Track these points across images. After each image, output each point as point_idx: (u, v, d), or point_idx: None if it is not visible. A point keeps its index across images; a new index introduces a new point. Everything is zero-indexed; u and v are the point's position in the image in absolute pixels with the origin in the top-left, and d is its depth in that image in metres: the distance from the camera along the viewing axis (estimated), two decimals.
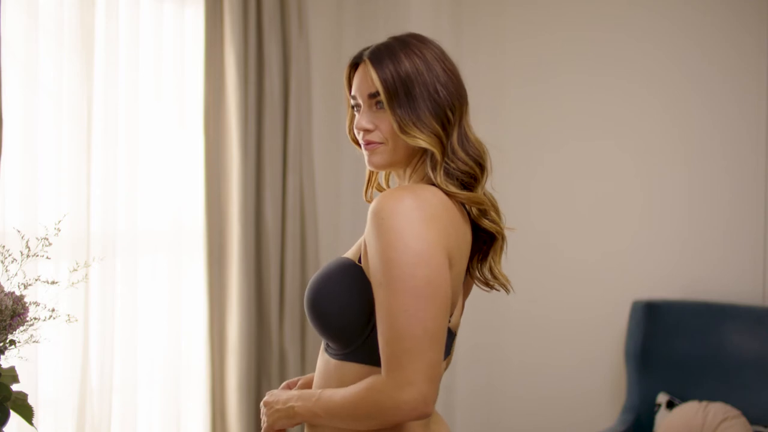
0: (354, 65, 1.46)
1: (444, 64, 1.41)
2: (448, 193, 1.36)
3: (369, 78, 1.39)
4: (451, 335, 1.41)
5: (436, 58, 1.40)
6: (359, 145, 1.45)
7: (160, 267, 2.76)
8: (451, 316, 1.37)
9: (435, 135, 1.36)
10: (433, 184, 1.37)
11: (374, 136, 1.40)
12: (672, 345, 3.06)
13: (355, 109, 1.45)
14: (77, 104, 2.42)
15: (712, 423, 2.79)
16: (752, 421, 2.82)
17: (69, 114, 2.41)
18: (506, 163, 3.58)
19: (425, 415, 1.26)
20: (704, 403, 2.87)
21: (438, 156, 1.36)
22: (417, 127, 1.36)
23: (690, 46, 3.19)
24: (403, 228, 1.26)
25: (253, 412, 2.93)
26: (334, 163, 3.47)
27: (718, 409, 2.82)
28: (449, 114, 1.38)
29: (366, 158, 1.43)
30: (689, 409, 2.87)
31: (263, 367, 3.03)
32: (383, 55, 1.39)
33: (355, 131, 1.43)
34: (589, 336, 3.39)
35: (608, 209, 3.36)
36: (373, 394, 1.26)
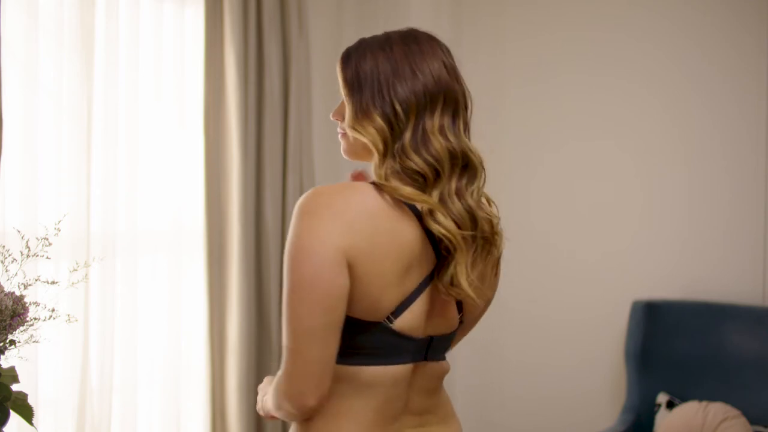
0: None
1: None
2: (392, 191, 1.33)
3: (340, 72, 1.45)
4: (397, 335, 1.34)
5: (406, 55, 1.41)
6: None
7: (160, 267, 2.76)
8: (393, 315, 1.32)
9: (378, 132, 1.36)
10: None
11: (340, 127, 1.45)
12: (672, 345, 3.06)
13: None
14: (77, 104, 2.41)
15: (712, 423, 2.79)
16: (752, 421, 2.82)
17: (69, 114, 2.41)
18: (506, 163, 3.58)
19: (308, 407, 1.29)
20: (704, 403, 2.87)
21: (376, 153, 1.37)
22: (361, 123, 1.37)
23: (690, 46, 3.20)
24: (299, 225, 1.27)
25: (253, 412, 2.93)
26: (334, 163, 3.47)
27: (718, 409, 2.82)
28: (400, 113, 1.36)
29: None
30: (689, 409, 2.87)
31: (263, 367, 3.03)
32: (354, 49, 1.43)
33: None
34: (589, 336, 3.39)
35: (608, 209, 3.36)
36: (276, 387, 1.34)
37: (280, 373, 1.32)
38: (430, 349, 1.41)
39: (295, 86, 3.11)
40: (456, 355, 3.67)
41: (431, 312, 1.38)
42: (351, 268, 1.27)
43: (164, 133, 2.76)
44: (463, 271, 1.34)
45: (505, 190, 3.59)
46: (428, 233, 1.34)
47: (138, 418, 2.66)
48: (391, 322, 1.33)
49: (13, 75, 2.25)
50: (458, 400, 3.66)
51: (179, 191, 2.81)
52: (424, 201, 1.32)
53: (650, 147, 3.27)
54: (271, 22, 3.01)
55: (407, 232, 1.32)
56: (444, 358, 1.48)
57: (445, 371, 1.48)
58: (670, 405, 2.95)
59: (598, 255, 3.38)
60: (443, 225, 1.32)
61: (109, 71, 2.51)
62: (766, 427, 2.82)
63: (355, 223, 1.28)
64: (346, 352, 1.33)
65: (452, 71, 1.47)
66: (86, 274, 2.33)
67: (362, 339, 1.33)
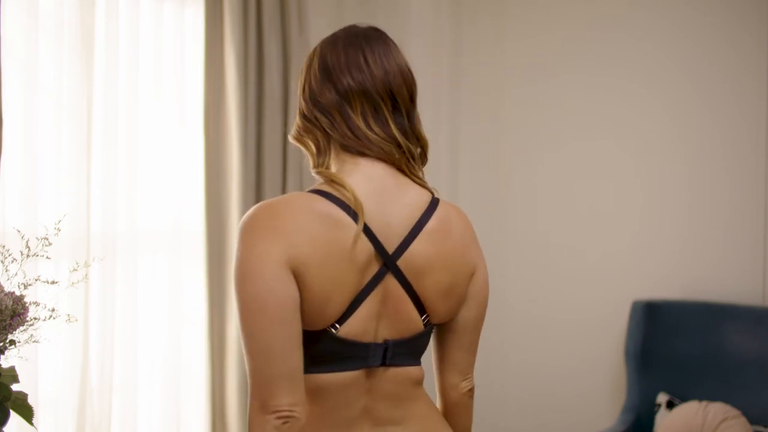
0: None
1: (322, 60, 1.41)
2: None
3: None
4: (343, 342, 1.33)
5: (319, 53, 1.42)
6: None
7: (160, 267, 2.76)
8: (338, 321, 1.32)
9: (299, 130, 1.43)
10: None
11: None
12: (672, 345, 3.06)
13: None
14: (77, 104, 2.42)
15: (712, 423, 2.79)
16: (752, 421, 2.82)
17: (69, 114, 2.41)
18: (506, 164, 3.58)
19: (283, 418, 1.26)
20: (704, 403, 2.87)
21: (307, 152, 1.43)
22: (298, 120, 1.44)
23: (690, 46, 3.20)
24: (241, 244, 1.27)
25: None
26: None
27: (718, 409, 2.82)
28: (315, 112, 1.39)
29: None
30: (689, 409, 2.87)
31: None
32: None
33: None
34: (589, 336, 3.39)
35: (608, 209, 3.36)
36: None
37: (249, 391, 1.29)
38: (389, 353, 1.38)
39: (295, 86, 3.11)
40: None
41: (382, 315, 1.36)
42: (297, 279, 1.27)
43: (164, 133, 2.76)
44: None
45: (505, 190, 3.59)
46: (373, 236, 1.33)
47: (138, 418, 2.66)
48: (336, 329, 1.32)
49: (13, 75, 2.25)
50: None
51: (179, 191, 2.81)
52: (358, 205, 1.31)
53: (650, 147, 3.27)
54: (271, 22, 3.01)
55: (347, 237, 1.30)
56: (414, 363, 1.43)
57: (414, 377, 1.43)
58: (670, 405, 2.95)
59: (598, 255, 3.38)
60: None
61: (109, 71, 2.51)
62: (766, 427, 2.82)
63: (293, 234, 1.27)
64: None
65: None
66: (86, 274, 2.33)
67: (309, 348, 1.31)
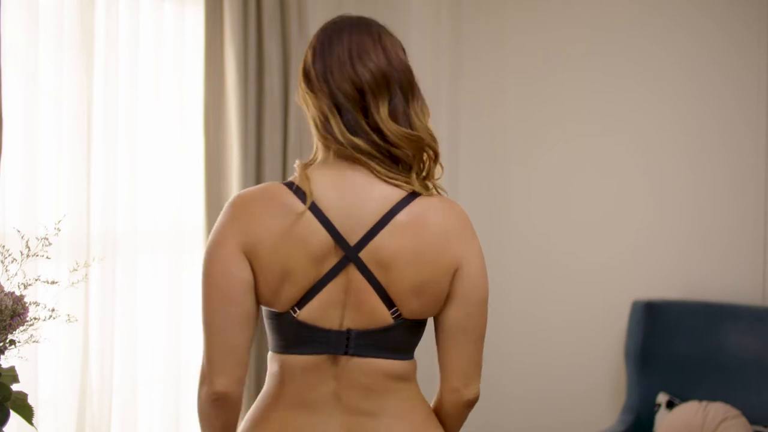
0: None
1: (305, 64, 1.48)
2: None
3: None
4: (302, 326, 1.39)
5: (304, 55, 1.50)
6: None
7: (160, 267, 2.76)
8: (297, 305, 1.39)
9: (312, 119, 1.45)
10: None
11: None
12: (672, 345, 3.06)
13: None
14: (77, 104, 2.41)
15: (712, 423, 2.80)
16: (752, 421, 2.82)
17: (69, 114, 2.41)
18: (506, 162, 3.58)
19: (216, 392, 1.39)
20: (704, 403, 2.87)
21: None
22: None
23: (691, 44, 3.20)
24: (213, 229, 1.41)
25: None
26: None
27: (718, 409, 2.82)
28: (306, 111, 1.46)
29: None
30: (689, 409, 2.87)
31: (262, 367, 3.03)
32: None
33: None
34: (589, 336, 3.39)
35: (608, 209, 3.36)
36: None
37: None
38: (352, 343, 1.40)
39: (295, 86, 3.11)
40: None
41: (346, 305, 1.39)
42: (251, 263, 1.36)
43: (164, 133, 2.76)
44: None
45: (505, 189, 3.59)
46: (332, 227, 1.37)
47: (138, 418, 2.65)
48: (296, 312, 1.39)
49: (13, 75, 2.24)
50: None
51: (179, 191, 2.81)
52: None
53: (651, 146, 3.27)
54: (271, 22, 3.01)
55: (305, 227, 1.36)
56: (388, 357, 1.42)
57: (387, 371, 1.42)
58: (670, 405, 2.95)
59: (598, 255, 3.38)
60: None
61: (109, 71, 2.51)
62: (766, 427, 2.82)
63: (250, 222, 1.36)
64: (269, 339, 1.44)
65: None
66: (86, 274, 2.33)
67: (276, 328, 1.42)
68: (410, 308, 1.41)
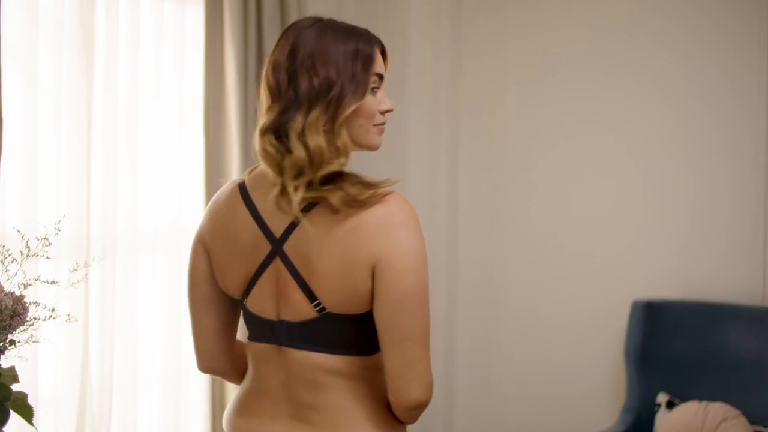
0: (376, 43, 1.47)
1: None
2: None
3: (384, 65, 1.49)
4: (251, 315, 1.50)
5: None
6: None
7: (160, 267, 2.76)
8: (245, 297, 1.49)
9: None
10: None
11: (384, 119, 1.49)
12: (672, 345, 3.06)
13: (374, 88, 1.45)
14: (77, 104, 2.41)
15: (712, 423, 2.80)
16: (752, 421, 2.83)
17: (69, 114, 2.41)
18: (506, 163, 3.58)
19: (201, 370, 1.63)
20: (704, 403, 2.87)
21: None
22: None
23: (692, 44, 3.19)
24: None
25: None
26: None
27: (718, 409, 2.82)
28: None
29: (378, 138, 1.47)
30: (689, 409, 2.87)
31: None
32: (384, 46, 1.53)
33: (379, 110, 1.45)
34: (589, 336, 3.39)
35: (608, 209, 3.36)
36: None
37: None
38: (285, 334, 1.44)
39: None
40: (456, 354, 3.69)
41: (277, 295, 1.45)
42: (208, 255, 1.52)
43: (164, 133, 2.76)
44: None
45: (505, 189, 3.59)
46: (261, 221, 1.44)
47: (138, 418, 2.66)
48: (244, 302, 1.50)
49: (13, 75, 2.24)
50: (458, 400, 3.67)
51: (179, 191, 2.81)
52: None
53: (651, 146, 3.27)
54: (271, 22, 3.01)
55: (239, 221, 1.46)
56: (322, 351, 1.43)
57: (323, 365, 1.43)
58: (670, 405, 2.95)
59: (598, 255, 3.38)
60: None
61: (109, 71, 2.51)
62: (766, 427, 2.82)
63: (209, 216, 1.52)
64: None
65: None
66: (86, 274, 2.33)
67: (242, 316, 1.55)
68: (332, 303, 1.40)
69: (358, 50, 1.41)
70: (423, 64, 3.65)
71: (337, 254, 1.37)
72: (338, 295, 1.39)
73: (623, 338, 3.22)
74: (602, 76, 3.36)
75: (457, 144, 3.67)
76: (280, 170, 1.38)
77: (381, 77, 1.45)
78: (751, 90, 3.06)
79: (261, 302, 1.46)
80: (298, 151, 1.35)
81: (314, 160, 1.35)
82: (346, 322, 1.42)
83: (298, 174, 1.36)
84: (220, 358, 1.59)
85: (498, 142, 3.59)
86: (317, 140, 1.36)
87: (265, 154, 1.39)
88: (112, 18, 2.51)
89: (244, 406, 1.52)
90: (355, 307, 1.40)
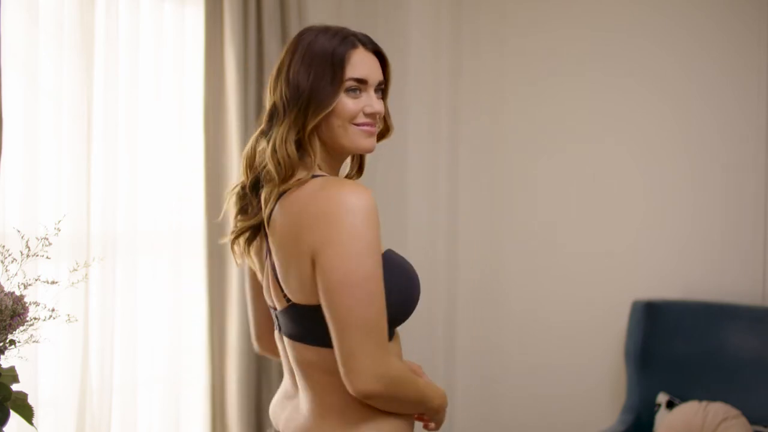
0: (353, 47, 1.46)
1: None
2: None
3: (379, 67, 1.49)
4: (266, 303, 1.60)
5: None
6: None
7: (160, 267, 2.76)
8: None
9: None
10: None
11: (375, 122, 1.49)
12: (672, 345, 3.06)
13: (352, 90, 1.45)
14: (77, 104, 2.42)
15: (712, 423, 2.80)
16: (752, 421, 2.82)
17: (69, 114, 2.41)
18: (506, 163, 3.58)
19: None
20: (704, 403, 2.87)
21: None
22: None
23: (692, 44, 3.19)
24: None
25: (253, 412, 2.93)
26: None
27: (718, 409, 2.82)
28: None
29: (364, 140, 1.48)
30: (689, 409, 2.87)
31: (263, 367, 3.03)
32: (382, 51, 1.52)
33: (363, 112, 1.46)
34: (589, 336, 3.39)
35: (609, 209, 3.36)
36: None
37: None
38: (279, 322, 1.51)
39: None
40: (456, 354, 3.69)
41: (269, 285, 1.51)
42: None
43: (164, 133, 2.76)
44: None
45: (505, 189, 3.59)
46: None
47: (138, 418, 2.66)
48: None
49: (13, 75, 2.25)
50: (458, 400, 3.67)
51: (179, 191, 2.81)
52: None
53: (651, 146, 3.27)
54: (271, 22, 3.01)
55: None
56: (299, 341, 1.45)
57: (300, 356, 1.45)
58: (670, 405, 2.95)
59: (599, 255, 3.38)
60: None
61: (109, 71, 2.51)
62: (766, 427, 2.82)
63: None
64: None
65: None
66: (86, 274, 2.33)
67: None
68: (292, 291, 1.43)
69: (333, 54, 1.43)
70: (423, 64, 3.65)
71: (286, 243, 1.41)
72: (293, 284, 1.42)
73: (623, 338, 3.22)
74: (602, 76, 3.36)
75: (457, 144, 3.67)
76: (265, 176, 1.47)
77: (360, 81, 1.45)
78: (751, 90, 3.06)
79: (267, 291, 1.54)
80: (270, 164, 1.44)
81: (283, 173, 1.43)
82: (310, 312, 1.41)
83: (272, 185, 1.44)
84: (269, 339, 1.65)
85: (498, 142, 3.58)
86: (285, 152, 1.43)
87: (252, 156, 1.52)
88: (112, 18, 2.51)
89: (280, 389, 1.63)
90: (313, 298, 1.40)
